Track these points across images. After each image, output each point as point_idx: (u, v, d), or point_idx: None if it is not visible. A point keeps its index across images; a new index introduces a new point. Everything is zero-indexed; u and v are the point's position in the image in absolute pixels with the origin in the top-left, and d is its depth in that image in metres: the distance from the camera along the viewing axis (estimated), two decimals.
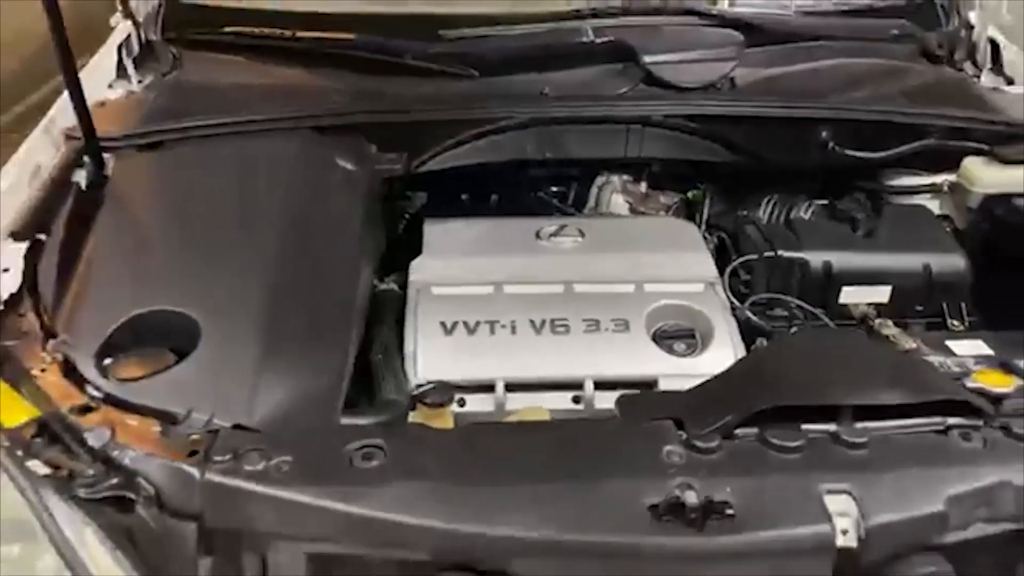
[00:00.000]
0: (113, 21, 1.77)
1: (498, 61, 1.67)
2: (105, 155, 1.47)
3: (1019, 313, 1.40)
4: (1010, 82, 1.83)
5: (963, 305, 1.50)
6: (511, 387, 1.28)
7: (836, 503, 0.94)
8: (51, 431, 1.02)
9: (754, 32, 1.72)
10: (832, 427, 1.02)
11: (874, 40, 1.83)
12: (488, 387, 1.28)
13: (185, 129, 1.50)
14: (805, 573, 0.93)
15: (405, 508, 0.92)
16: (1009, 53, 1.85)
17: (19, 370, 1.09)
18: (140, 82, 1.73)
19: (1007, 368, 1.26)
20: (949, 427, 1.03)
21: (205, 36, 1.79)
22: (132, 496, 0.96)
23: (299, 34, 1.72)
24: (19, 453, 0.98)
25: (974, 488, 0.96)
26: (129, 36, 1.76)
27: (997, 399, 1.11)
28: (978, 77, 1.84)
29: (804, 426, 1.02)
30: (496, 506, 0.93)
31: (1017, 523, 0.97)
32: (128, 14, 1.73)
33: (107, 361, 1.13)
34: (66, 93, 1.46)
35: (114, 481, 0.97)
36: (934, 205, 1.68)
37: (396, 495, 0.93)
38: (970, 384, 1.16)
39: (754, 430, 1.02)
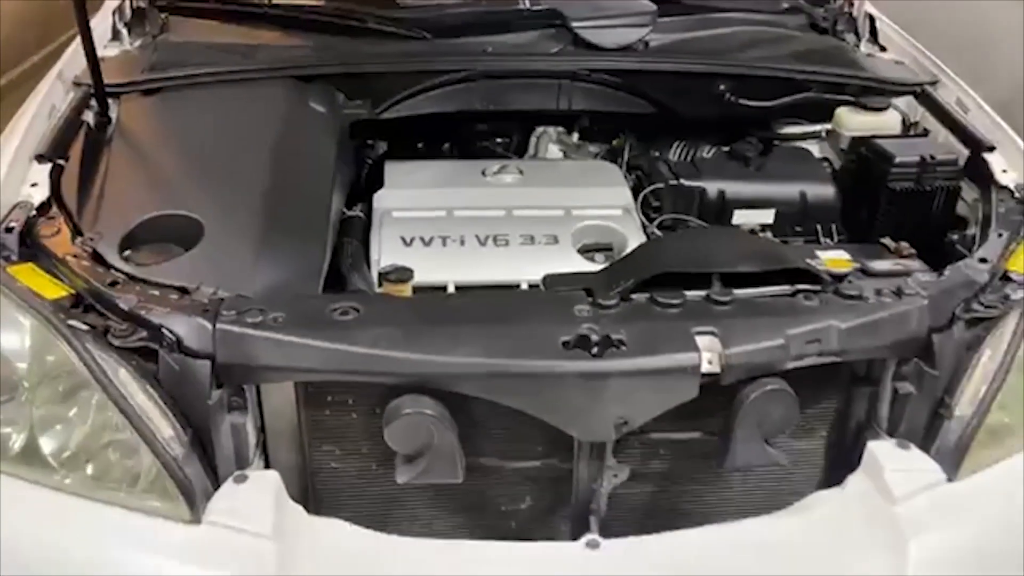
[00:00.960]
0: None
1: (448, 25, 1.95)
2: (109, 101, 1.72)
3: (876, 228, 1.73)
4: (883, 49, 2.16)
5: (834, 226, 1.81)
6: (460, 288, 1.56)
7: (703, 341, 1.23)
8: (86, 302, 1.28)
9: (666, 3, 2.03)
10: (706, 292, 1.32)
11: (768, 13, 2.15)
12: (441, 288, 1.55)
13: (181, 77, 1.75)
14: (678, 390, 1.22)
15: (376, 343, 1.19)
16: (882, 26, 2.19)
17: (55, 260, 1.33)
18: (132, 44, 1.98)
19: (862, 268, 1.58)
20: (796, 291, 1.34)
21: (190, 3, 2.04)
22: (157, 346, 1.22)
23: (274, 1, 1.98)
24: (62, 316, 1.24)
25: (807, 329, 1.26)
26: (122, 3, 2.00)
27: (838, 277, 1.42)
28: (857, 46, 2.17)
29: (686, 292, 1.32)
30: (446, 342, 1.21)
31: (839, 356, 1.29)
32: None
33: (127, 253, 1.39)
34: (74, 45, 1.72)
35: (143, 334, 1.22)
36: (816, 149, 2.00)
37: (369, 334, 1.20)
38: (819, 267, 1.47)
39: (646, 295, 1.31)
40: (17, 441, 1.24)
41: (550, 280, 1.41)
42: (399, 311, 1.29)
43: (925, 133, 1.90)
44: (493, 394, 1.21)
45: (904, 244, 1.65)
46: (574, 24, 1.94)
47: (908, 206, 1.74)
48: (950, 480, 1.30)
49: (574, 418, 1.21)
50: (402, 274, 1.41)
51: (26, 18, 2.89)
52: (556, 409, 1.21)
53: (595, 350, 1.21)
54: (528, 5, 2.00)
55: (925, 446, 1.33)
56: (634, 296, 1.31)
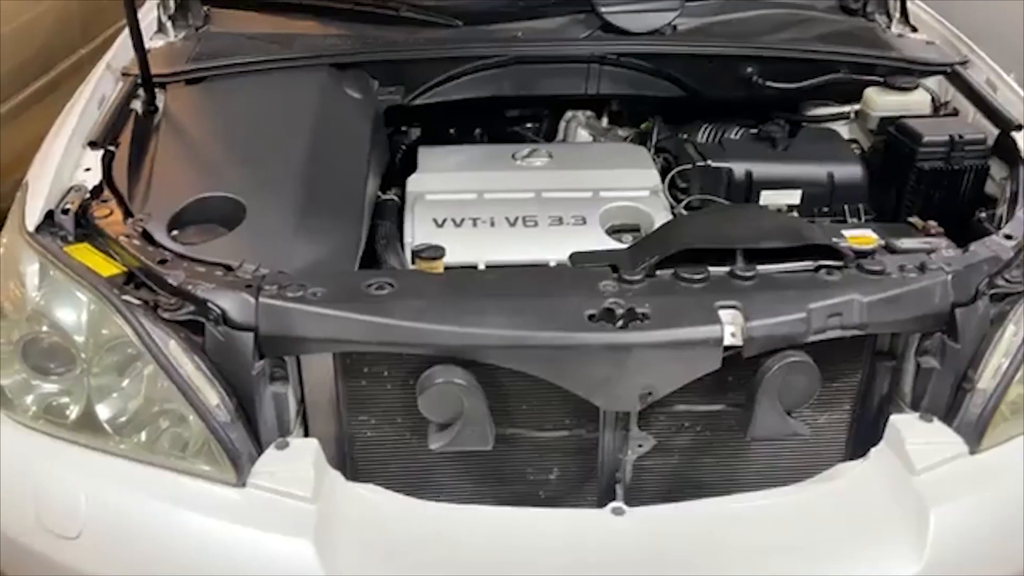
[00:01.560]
0: None
1: (479, 12, 2.00)
2: (156, 90, 1.80)
3: (905, 208, 1.75)
4: (914, 30, 2.16)
5: (861, 206, 1.83)
6: (490, 268, 1.60)
7: (726, 314, 1.27)
8: (137, 279, 1.35)
9: None
10: (729, 268, 1.35)
11: None
12: (472, 268, 1.60)
13: (224, 67, 1.82)
14: (701, 362, 1.26)
15: (410, 316, 1.25)
16: (914, 6, 2.18)
17: (107, 239, 1.41)
18: (177, 36, 2.05)
19: (888, 246, 1.60)
20: (819, 267, 1.37)
21: None
22: (204, 319, 1.28)
23: None
24: (116, 292, 1.31)
25: (829, 303, 1.29)
26: None
27: (862, 254, 1.44)
28: (888, 26, 2.17)
29: (710, 268, 1.35)
30: (476, 315, 1.26)
31: (861, 330, 1.31)
32: None
33: (175, 233, 1.46)
34: (123, 36, 1.80)
35: (191, 308, 1.29)
36: (845, 130, 2.01)
37: (403, 307, 1.26)
38: (843, 244, 1.49)
39: (670, 271, 1.35)
40: (75, 410, 1.32)
41: (577, 257, 1.45)
42: (431, 286, 1.34)
43: (955, 113, 1.90)
44: (520, 365, 1.25)
45: (932, 223, 1.67)
46: (602, 9, 1.97)
47: (936, 185, 1.76)
48: (972, 453, 1.32)
49: (599, 389, 1.26)
50: (434, 251, 1.46)
51: (71, 14, 3.00)
52: (582, 380, 1.25)
53: (620, 323, 1.25)
54: None
55: (948, 419, 1.35)
56: (659, 272, 1.35)
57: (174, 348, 1.27)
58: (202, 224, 1.48)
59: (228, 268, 1.34)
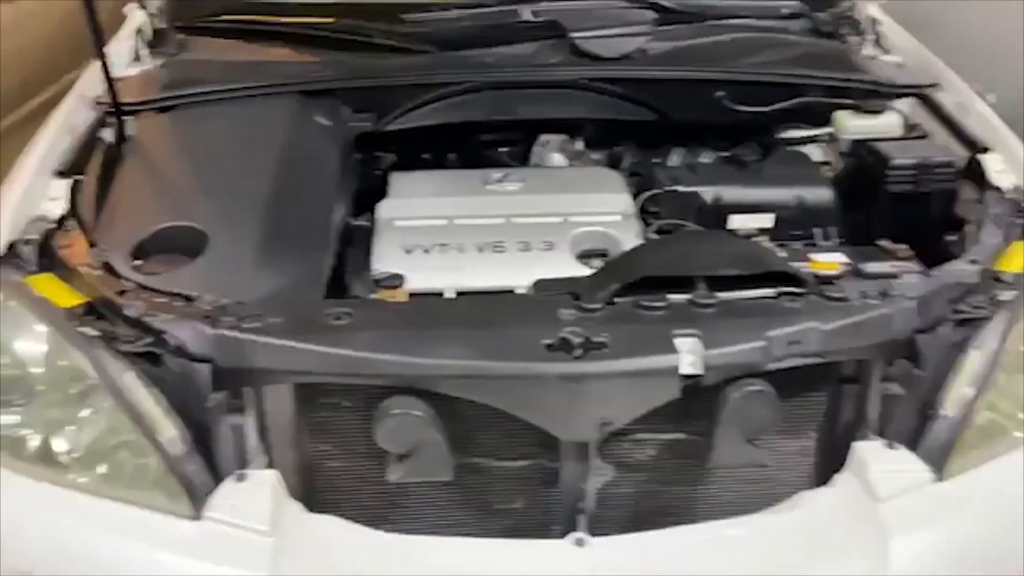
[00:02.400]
0: (126, 10, 2.10)
1: (452, 38, 2.00)
2: (126, 119, 1.81)
3: (876, 230, 1.74)
4: (887, 52, 2.17)
5: (832, 229, 1.82)
6: (458, 295, 1.60)
7: (684, 343, 1.26)
8: (97, 310, 1.35)
9: (665, 12, 2.06)
10: (690, 294, 1.35)
11: (768, 18, 2.16)
12: (439, 295, 1.59)
13: (194, 95, 1.83)
14: (660, 392, 1.25)
15: (367, 346, 1.24)
16: (887, 28, 2.19)
17: (69, 270, 1.41)
18: (152, 63, 2.06)
19: (855, 270, 1.60)
20: (780, 294, 1.36)
21: (206, 23, 2.13)
22: (161, 350, 1.28)
23: (286, 19, 2.06)
24: (74, 323, 1.31)
25: (789, 331, 1.28)
26: (142, 24, 2.09)
27: (824, 279, 1.44)
28: (860, 48, 2.18)
29: (670, 296, 1.35)
30: (432, 344, 1.25)
31: (822, 357, 1.31)
32: (141, 4, 2.06)
33: (137, 263, 1.46)
34: (94, 67, 1.80)
35: (148, 339, 1.29)
36: (817, 153, 2.01)
37: (359, 337, 1.25)
38: (807, 269, 1.49)
39: (631, 299, 1.34)
40: (33, 442, 1.31)
41: (539, 284, 1.45)
42: (389, 315, 1.34)
43: (925, 135, 1.90)
44: (477, 395, 1.25)
45: (902, 246, 1.67)
46: (573, 34, 1.98)
47: (905, 208, 1.75)
48: (937, 480, 1.31)
49: (557, 419, 1.25)
50: (394, 280, 1.46)
51: (57, 41, 3.03)
52: (539, 410, 1.25)
53: (577, 352, 1.24)
54: (529, 16, 2.04)
55: (913, 446, 1.34)
56: (619, 300, 1.35)
57: (130, 380, 1.27)
58: (165, 254, 1.48)
59: (187, 299, 1.34)
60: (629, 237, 1.71)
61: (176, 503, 1.26)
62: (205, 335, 1.27)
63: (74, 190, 1.58)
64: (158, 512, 1.26)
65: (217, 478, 1.29)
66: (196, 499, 1.25)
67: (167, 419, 1.26)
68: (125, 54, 2.04)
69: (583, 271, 1.61)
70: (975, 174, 1.71)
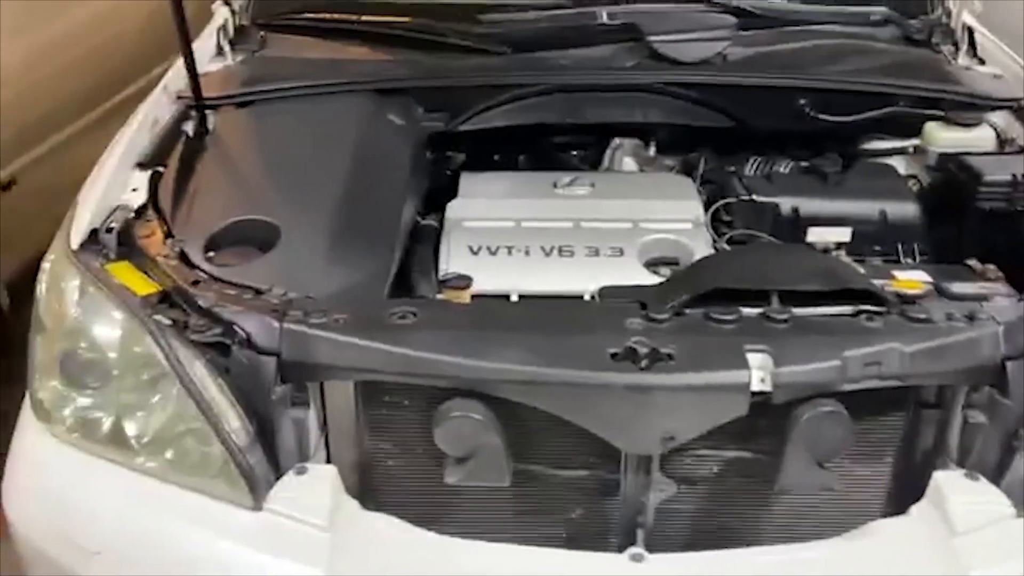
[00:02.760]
0: (214, 7, 2.15)
1: (527, 40, 1.99)
2: (208, 112, 1.85)
3: (964, 249, 1.66)
4: (982, 63, 2.06)
5: (916, 245, 1.74)
6: (523, 298, 1.58)
7: (755, 358, 1.22)
8: (171, 299, 1.38)
9: (746, 16, 2.01)
10: (762, 309, 1.30)
11: (855, 24, 2.08)
12: (504, 297, 1.58)
13: (273, 91, 1.86)
14: (727, 408, 1.21)
15: (429, 347, 1.24)
16: (981, 38, 2.09)
17: (147, 259, 1.45)
18: (235, 59, 2.11)
19: (939, 290, 1.52)
20: (859, 312, 1.31)
21: (287, 21, 2.16)
22: (229, 341, 1.30)
23: (364, 18, 2.08)
24: (149, 311, 1.34)
25: (867, 351, 1.23)
26: (226, 21, 2.14)
27: (907, 299, 1.37)
28: (954, 58, 2.08)
29: (742, 309, 1.30)
30: (495, 348, 1.24)
31: (901, 380, 1.24)
32: (226, 2, 2.11)
33: (211, 254, 1.49)
34: (178, 62, 1.85)
35: (218, 330, 1.31)
36: (903, 166, 1.93)
37: (423, 338, 1.25)
38: (888, 287, 1.42)
39: (701, 310, 1.31)
40: (105, 424, 1.35)
41: (606, 292, 1.42)
42: (453, 317, 1.33)
43: (1021, 151, 1.80)
44: (538, 401, 1.23)
45: (991, 267, 1.58)
46: (651, 38, 1.94)
47: (997, 227, 1.66)
48: (1020, 515, 1.24)
49: (619, 430, 1.22)
50: (461, 281, 1.45)
51: (146, 36, 3.14)
52: (602, 420, 1.22)
53: (643, 363, 1.21)
54: (606, 19, 2.02)
55: (995, 479, 1.27)
56: (689, 311, 1.31)
57: (199, 369, 1.29)
58: (238, 247, 1.51)
59: (257, 291, 1.36)
60: (700, 246, 1.67)
61: (237, 493, 1.27)
62: (272, 328, 1.28)
63: (154, 181, 1.62)
64: (220, 500, 1.28)
65: (277, 470, 1.30)
66: (256, 490, 1.27)
67: (232, 409, 1.28)
68: (208, 50, 2.09)
69: (651, 279, 1.57)
70: None
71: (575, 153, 2.16)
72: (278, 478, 1.30)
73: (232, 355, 1.30)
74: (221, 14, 2.13)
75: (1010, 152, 1.81)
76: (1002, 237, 1.66)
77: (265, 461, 1.29)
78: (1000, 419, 1.27)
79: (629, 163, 2.11)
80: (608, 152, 2.13)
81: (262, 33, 2.15)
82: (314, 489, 1.28)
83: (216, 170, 1.69)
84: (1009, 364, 1.26)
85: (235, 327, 1.30)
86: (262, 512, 1.26)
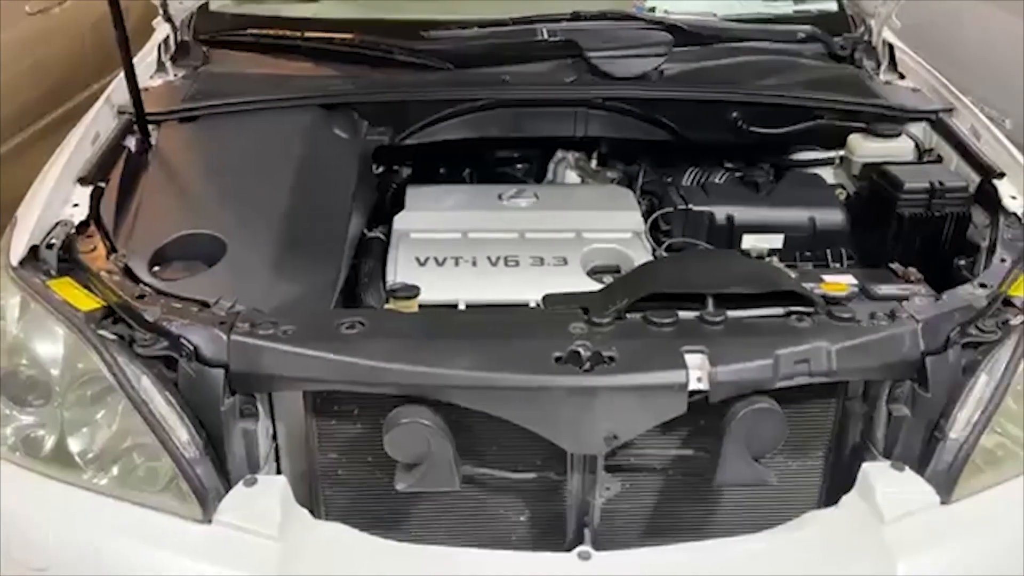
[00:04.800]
0: (155, 23, 2.14)
1: (469, 56, 2.03)
2: (150, 128, 1.84)
3: (887, 253, 1.75)
4: (902, 77, 2.18)
5: (843, 251, 1.83)
6: (471, 307, 1.62)
7: (692, 359, 1.27)
8: (115, 314, 1.37)
9: (681, 33, 2.09)
10: (700, 311, 1.36)
11: (783, 42, 2.18)
12: (452, 307, 1.61)
13: (216, 106, 1.87)
14: (667, 407, 1.26)
15: (377, 356, 1.26)
16: (901, 54, 2.21)
17: (90, 274, 1.44)
18: (176, 75, 2.11)
19: (864, 291, 1.61)
20: (789, 313, 1.37)
21: (230, 37, 2.17)
22: (177, 354, 1.30)
23: (307, 34, 2.10)
24: (93, 327, 1.33)
25: (797, 349, 1.29)
26: (168, 37, 2.13)
27: (833, 300, 1.45)
28: (876, 73, 2.19)
29: (679, 312, 1.36)
30: (443, 355, 1.27)
31: (829, 377, 1.31)
32: (168, 18, 2.10)
33: (156, 268, 1.49)
34: (120, 77, 1.84)
35: (164, 343, 1.31)
36: (830, 175, 2.02)
37: (371, 347, 1.27)
38: (816, 289, 1.50)
39: (641, 314, 1.36)
40: (49, 442, 1.34)
41: (550, 299, 1.46)
42: (401, 326, 1.36)
43: (938, 160, 1.91)
44: (486, 406, 1.26)
45: (912, 269, 1.68)
46: (590, 54, 2.00)
47: (917, 231, 1.76)
48: (943, 503, 1.31)
49: (564, 431, 1.26)
50: (408, 291, 1.48)
51: (85, 51, 3.10)
52: (547, 422, 1.26)
53: (586, 366, 1.25)
54: (546, 35, 2.07)
55: (920, 469, 1.34)
56: (629, 315, 1.36)
57: (146, 383, 1.29)
58: (184, 261, 1.51)
59: (204, 305, 1.36)
60: (640, 254, 1.73)
61: (187, 506, 1.27)
62: (220, 340, 1.29)
63: (96, 196, 1.61)
64: (169, 515, 1.28)
65: (227, 482, 1.30)
66: (206, 503, 1.27)
67: (180, 422, 1.28)
68: (150, 66, 2.08)
69: (594, 287, 1.62)
70: (988, 199, 1.71)
71: (519, 166, 2.21)
72: (228, 490, 1.30)
73: (179, 368, 1.30)
74: (162, 30, 2.13)
75: (928, 161, 1.92)
76: (921, 241, 1.76)
77: (215, 474, 1.29)
78: (922, 411, 1.35)
79: (572, 175, 2.16)
80: (551, 165, 2.18)
81: (204, 49, 2.15)
82: (264, 500, 1.28)
83: (160, 185, 1.69)
84: (928, 359, 1.33)
85: (182, 340, 1.30)
86: (211, 525, 1.26)
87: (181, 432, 1.28)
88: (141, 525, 1.28)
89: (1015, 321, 1.39)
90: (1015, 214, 1.63)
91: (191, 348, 1.29)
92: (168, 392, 1.29)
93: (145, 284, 1.42)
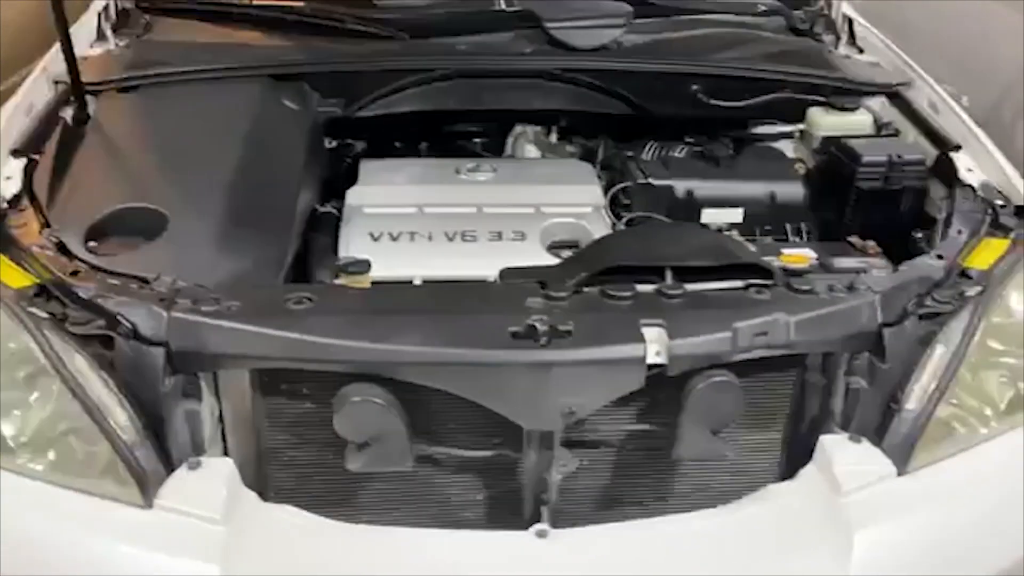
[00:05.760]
0: None
1: (423, 25, 1.98)
2: (88, 98, 1.76)
3: (846, 227, 1.74)
4: (861, 51, 2.17)
5: (803, 224, 1.82)
6: (426, 283, 1.57)
7: (650, 332, 1.25)
8: (48, 291, 1.30)
9: (641, 5, 2.05)
10: (658, 284, 1.33)
11: (744, 14, 2.16)
12: (407, 283, 1.56)
13: (158, 75, 1.79)
14: (625, 381, 1.23)
15: (326, 331, 1.21)
16: (860, 28, 2.20)
17: (22, 250, 1.37)
18: (117, 43, 2.02)
19: (823, 264, 1.60)
20: (748, 286, 1.35)
21: (174, 4, 2.08)
22: (113, 333, 1.24)
23: (255, 2, 2.02)
24: (24, 304, 1.27)
25: (755, 322, 1.27)
26: (108, 4, 2.04)
27: (792, 273, 1.43)
28: (835, 47, 2.18)
29: (637, 285, 1.33)
30: (395, 331, 1.22)
31: (788, 349, 1.30)
32: None
33: (92, 244, 1.42)
34: (56, 46, 1.75)
35: (100, 321, 1.25)
36: (790, 149, 2.01)
37: (320, 322, 1.22)
38: (776, 262, 1.48)
39: (599, 287, 1.33)
40: None
41: (507, 273, 1.43)
42: (352, 301, 1.31)
43: (896, 133, 1.90)
44: (440, 382, 1.22)
45: (870, 242, 1.67)
46: (548, 24, 1.96)
47: (875, 205, 1.75)
48: (900, 474, 1.31)
49: (521, 407, 1.23)
50: (359, 266, 1.43)
51: (28, 24, 2.96)
52: (503, 398, 1.22)
53: (543, 340, 1.22)
54: (504, 5, 2.02)
55: (877, 440, 1.34)
56: (587, 289, 1.33)
57: (80, 363, 1.23)
58: (122, 236, 1.44)
59: (143, 281, 1.30)
60: (599, 228, 1.69)
61: (126, 491, 1.22)
62: (160, 318, 1.23)
63: (29, 169, 1.53)
64: (108, 500, 1.22)
65: (171, 465, 1.25)
66: (146, 488, 1.22)
67: (118, 404, 1.22)
68: (89, 34, 1.99)
69: (554, 262, 1.59)
70: (945, 172, 1.71)
71: (477, 140, 2.16)
72: (171, 474, 1.24)
73: (117, 347, 1.24)
74: None
75: (886, 135, 1.91)
76: (879, 214, 1.75)
77: (156, 457, 1.24)
78: (879, 383, 1.34)
79: (531, 149, 2.12)
80: (510, 139, 2.14)
81: (146, 17, 2.06)
82: (209, 483, 1.24)
83: (97, 157, 1.61)
84: (886, 331, 1.32)
85: (119, 318, 1.24)
86: (152, 510, 1.21)
87: (119, 414, 1.22)
88: (79, 511, 1.22)
89: (971, 292, 1.39)
90: (971, 186, 1.63)
91: (129, 326, 1.24)
92: (104, 373, 1.23)
93: (80, 260, 1.35)
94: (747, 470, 1.42)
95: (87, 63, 1.85)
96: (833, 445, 1.32)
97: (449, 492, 1.37)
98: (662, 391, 1.30)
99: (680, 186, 1.81)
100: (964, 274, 1.43)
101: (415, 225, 1.67)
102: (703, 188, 1.81)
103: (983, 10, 3.02)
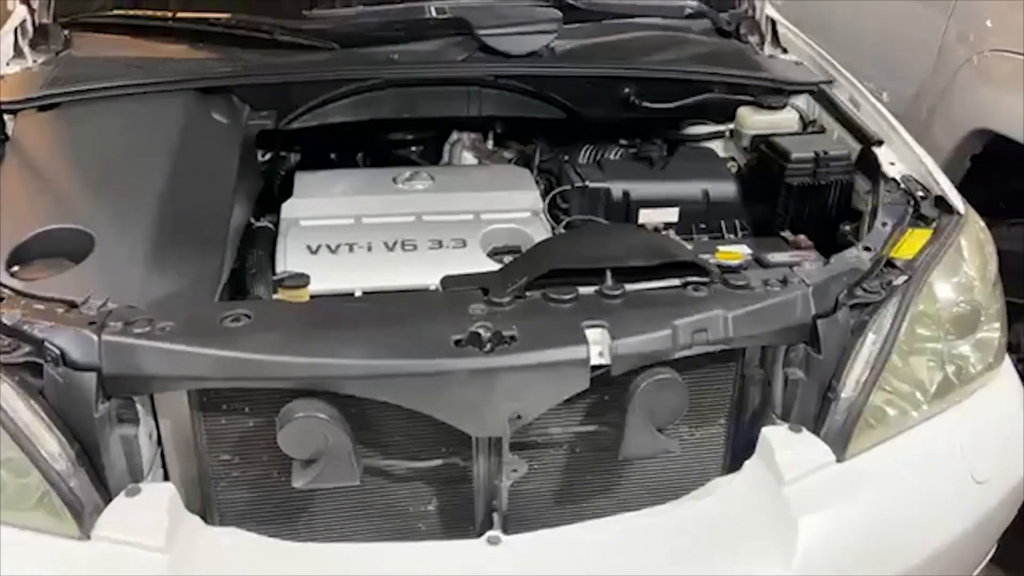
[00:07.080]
0: (10, 5, 1.97)
1: (354, 35, 1.96)
2: (5, 118, 1.69)
3: (778, 222, 1.79)
4: (785, 51, 2.23)
5: (737, 221, 1.86)
6: (368, 294, 1.56)
7: (593, 333, 1.26)
8: None
9: (571, 10, 2.07)
10: (598, 286, 1.35)
11: (671, 17, 2.20)
12: (348, 295, 1.55)
13: (79, 92, 1.73)
14: (570, 383, 1.24)
15: (265, 348, 1.19)
16: (783, 29, 2.26)
17: None
18: (35, 60, 1.94)
19: (757, 260, 1.64)
20: (686, 284, 1.38)
21: (94, 19, 2.02)
22: (41, 360, 1.20)
23: (180, 15, 1.97)
24: None
25: (695, 319, 1.30)
26: (24, 20, 1.96)
27: (728, 269, 1.46)
28: (760, 48, 2.24)
29: (578, 288, 1.34)
30: (336, 345, 1.21)
31: (727, 344, 1.32)
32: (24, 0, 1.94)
33: (14, 269, 1.37)
34: None
35: (26, 348, 1.20)
36: (721, 148, 2.05)
37: (258, 340, 1.20)
38: (711, 259, 1.51)
39: (540, 291, 1.33)
40: None
41: (448, 281, 1.42)
42: (290, 316, 1.29)
43: (822, 130, 1.96)
44: (384, 394, 1.21)
45: (802, 237, 1.72)
46: (479, 31, 1.96)
47: (805, 200, 1.80)
48: (839, 461, 1.35)
49: (467, 415, 1.23)
50: (297, 280, 1.41)
51: None
52: (449, 407, 1.22)
53: (487, 347, 1.22)
54: (434, 13, 2.02)
55: (815, 429, 1.38)
56: (529, 293, 1.33)
57: (7, 392, 1.18)
58: (47, 259, 1.39)
59: (71, 304, 1.26)
60: (539, 233, 1.70)
61: (61, 523, 1.17)
62: (90, 342, 1.19)
63: None
64: (43, 533, 1.18)
65: (108, 494, 1.21)
66: (82, 518, 1.18)
67: (49, 433, 1.18)
68: (5, 51, 1.92)
69: (495, 268, 1.59)
70: (869, 166, 1.77)
71: (414, 149, 2.15)
72: (108, 502, 1.20)
73: (45, 374, 1.20)
74: (19, 13, 1.96)
75: (812, 132, 1.97)
76: (809, 208, 1.80)
77: (91, 485, 1.20)
78: (815, 374, 1.38)
79: (468, 156, 2.12)
80: (447, 146, 2.14)
81: (66, 32, 1.99)
82: (148, 510, 1.20)
83: (17, 178, 1.55)
84: (820, 322, 1.36)
85: (46, 344, 1.20)
86: (90, 541, 1.17)
87: (50, 443, 1.18)
88: (12, 545, 1.17)
89: (897, 281, 1.44)
90: (894, 179, 1.69)
91: (57, 352, 1.19)
92: (33, 401, 1.18)
93: (3, 285, 1.30)
94: (694, 465, 1.44)
95: (3, 82, 1.78)
96: (774, 436, 1.36)
97: (401, 504, 1.36)
98: (607, 391, 1.31)
99: (616, 188, 1.83)
100: (891, 264, 1.48)
101: (353, 236, 1.65)
102: (639, 189, 1.83)
103: (901, 9, 3.13)
